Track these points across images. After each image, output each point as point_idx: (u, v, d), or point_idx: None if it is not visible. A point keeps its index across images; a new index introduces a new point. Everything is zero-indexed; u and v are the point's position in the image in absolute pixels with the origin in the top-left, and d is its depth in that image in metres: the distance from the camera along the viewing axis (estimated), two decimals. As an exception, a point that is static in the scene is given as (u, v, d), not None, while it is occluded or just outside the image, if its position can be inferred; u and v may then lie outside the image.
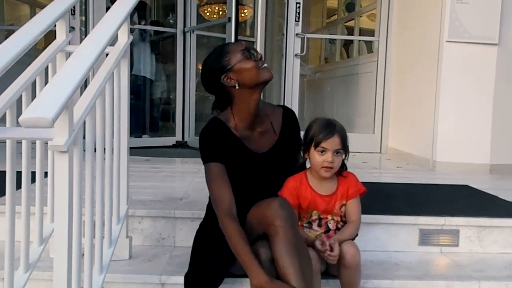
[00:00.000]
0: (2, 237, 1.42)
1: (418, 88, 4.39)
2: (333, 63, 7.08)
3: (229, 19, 4.15)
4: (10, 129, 1.42)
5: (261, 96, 1.86)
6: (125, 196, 2.02)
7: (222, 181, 1.71)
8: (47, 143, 1.73)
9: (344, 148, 1.78)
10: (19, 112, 1.51)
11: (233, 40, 4.10)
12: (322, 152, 1.75)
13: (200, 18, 5.54)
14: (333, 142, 1.75)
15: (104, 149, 1.67)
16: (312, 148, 1.76)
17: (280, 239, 1.51)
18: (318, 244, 1.70)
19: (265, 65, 1.75)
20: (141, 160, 4.04)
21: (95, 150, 1.51)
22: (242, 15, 9.96)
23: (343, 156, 1.79)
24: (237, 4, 4.12)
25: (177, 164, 4.06)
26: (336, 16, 6.83)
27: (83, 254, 1.46)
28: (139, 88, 5.27)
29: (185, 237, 2.21)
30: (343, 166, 1.84)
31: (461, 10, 3.83)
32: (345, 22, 6.49)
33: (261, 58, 1.76)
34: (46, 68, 1.79)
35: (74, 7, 3.89)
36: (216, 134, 1.79)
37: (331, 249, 1.69)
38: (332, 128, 1.77)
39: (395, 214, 2.35)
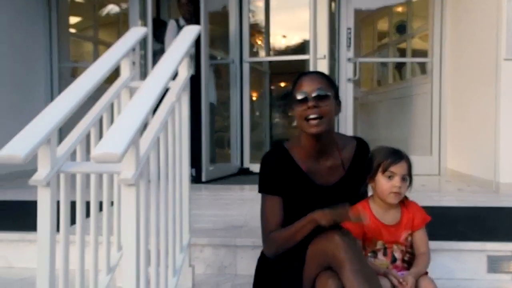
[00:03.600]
0: (71, 266, 1.48)
1: (476, 108, 4.27)
2: (386, 85, 7.00)
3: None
4: (82, 164, 1.50)
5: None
6: (187, 225, 2.06)
7: (272, 212, 1.73)
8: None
9: (410, 175, 1.75)
10: (87, 146, 1.61)
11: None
12: (390, 177, 1.72)
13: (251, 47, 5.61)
14: (401, 167, 1.73)
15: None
16: (380, 174, 1.73)
17: (349, 271, 1.46)
18: (394, 281, 1.66)
19: (315, 119, 1.65)
20: (199, 188, 4.11)
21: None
22: (293, 41, 10.12)
23: (408, 183, 1.75)
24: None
25: (235, 191, 4.10)
26: (387, 38, 6.77)
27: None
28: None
29: (246, 265, 2.23)
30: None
31: (519, 27, 3.72)
32: (397, 44, 6.42)
33: (315, 106, 1.65)
34: (112, 104, 1.88)
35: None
36: (278, 164, 1.77)
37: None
38: (399, 153, 1.76)
39: (461, 240, 2.27)
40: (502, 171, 3.79)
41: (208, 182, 4.40)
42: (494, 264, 2.22)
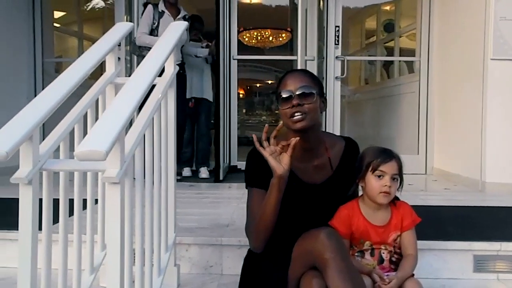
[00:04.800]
0: (54, 265, 1.44)
1: (463, 108, 4.29)
2: (373, 84, 7.02)
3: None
4: (66, 161, 1.46)
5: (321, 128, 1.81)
6: (173, 224, 2.04)
7: (258, 206, 1.70)
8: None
9: (400, 175, 1.74)
10: (71, 143, 1.58)
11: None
12: (379, 176, 1.70)
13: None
14: (391, 167, 1.71)
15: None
16: (369, 173, 1.72)
17: (333, 271, 1.44)
18: (377, 278, 1.65)
19: (298, 114, 1.64)
20: (184, 186, 4.08)
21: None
22: (280, 39, 10.13)
23: (398, 184, 1.74)
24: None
25: (221, 190, 4.07)
26: (375, 37, 6.79)
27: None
28: (199, 110, 4.89)
29: (232, 264, 2.21)
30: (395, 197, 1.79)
31: (505, 27, 3.75)
32: (385, 43, 6.44)
33: (299, 104, 1.64)
34: (97, 100, 1.85)
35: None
36: (263, 159, 1.74)
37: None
38: (390, 153, 1.75)
39: (447, 239, 2.28)
40: (488, 170, 3.82)
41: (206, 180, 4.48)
42: (480, 264, 2.23)
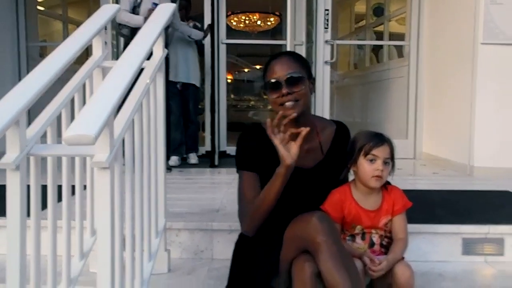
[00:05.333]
0: (43, 251, 1.43)
1: (452, 92, 4.30)
2: (362, 68, 7.01)
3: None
4: (53, 146, 1.44)
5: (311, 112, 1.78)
6: (163, 209, 2.02)
7: (250, 189, 1.70)
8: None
9: (392, 159, 1.73)
10: (58, 129, 1.55)
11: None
12: (372, 160, 1.70)
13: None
14: (384, 150, 1.71)
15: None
16: (362, 157, 1.71)
17: (325, 255, 1.44)
18: (367, 261, 1.66)
19: (290, 103, 1.63)
20: (174, 171, 4.06)
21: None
22: (269, 23, 10.07)
23: (390, 168, 1.74)
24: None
25: (210, 175, 4.06)
26: (364, 21, 6.76)
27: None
28: (187, 97, 4.73)
29: (223, 249, 2.20)
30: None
31: (496, 11, 3.75)
32: (374, 27, 6.42)
33: (289, 93, 1.63)
34: (84, 84, 1.81)
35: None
36: (254, 141, 1.75)
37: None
38: (382, 136, 1.74)
39: (437, 222, 2.30)
40: (477, 155, 3.85)
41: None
42: (469, 247, 2.25)
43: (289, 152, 1.57)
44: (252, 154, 1.72)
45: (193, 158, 4.67)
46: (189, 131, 4.79)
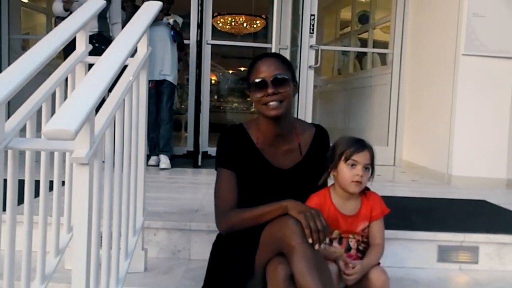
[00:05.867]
0: (18, 247, 1.40)
1: (433, 101, 4.36)
2: (346, 74, 7.07)
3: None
4: (32, 140, 1.42)
5: (291, 114, 1.78)
6: (141, 208, 2.01)
7: (228, 187, 1.71)
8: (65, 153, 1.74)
9: (372, 165, 1.75)
10: (38, 123, 1.53)
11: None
12: (352, 166, 1.71)
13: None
14: (364, 156, 1.72)
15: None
16: (342, 163, 1.73)
17: (299, 258, 1.44)
18: (341, 264, 1.67)
19: (274, 103, 1.65)
20: (155, 170, 4.04)
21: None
22: (255, 26, 10.08)
23: (370, 173, 1.76)
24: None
25: (191, 175, 4.04)
26: (349, 27, 6.82)
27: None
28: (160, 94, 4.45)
29: (200, 249, 2.20)
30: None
31: (478, 23, 3.81)
32: (359, 34, 6.48)
33: (275, 93, 1.65)
34: (66, 79, 1.79)
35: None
36: (234, 140, 1.76)
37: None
38: (363, 142, 1.76)
39: (413, 229, 2.32)
40: (455, 164, 3.91)
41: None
42: (444, 254, 2.28)
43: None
44: (231, 152, 1.74)
45: (163, 162, 4.22)
46: (161, 130, 4.39)
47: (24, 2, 5.84)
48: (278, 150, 1.78)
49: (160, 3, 2.13)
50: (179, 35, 4.54)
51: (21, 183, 1.35)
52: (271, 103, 1.65)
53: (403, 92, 5.03)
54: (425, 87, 4.58)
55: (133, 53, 1.80)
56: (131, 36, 1.72)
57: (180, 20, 4.63)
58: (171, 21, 4.40)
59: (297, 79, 4.68)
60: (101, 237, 1.46)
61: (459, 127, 3.90)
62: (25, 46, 5.56)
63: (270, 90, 1.65)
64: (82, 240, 1.26)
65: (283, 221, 1.53)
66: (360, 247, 1.79)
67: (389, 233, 2.17)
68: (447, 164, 3.96)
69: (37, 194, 1.49)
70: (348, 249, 1.78)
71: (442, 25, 4.21)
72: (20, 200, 1.37)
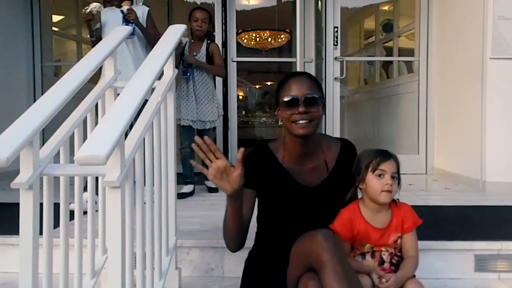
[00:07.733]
0: (55, 270, 1.44)
1: (462, 107, 4.29)
2: (372, 84, 7.02)
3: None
4: (66, 166, 1.47)
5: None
6: (174, 227, 2.03)
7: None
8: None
9: (398, 174, 1.74)
10: (71, 147, 1.58)
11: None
12: (380, 176, 1.70)
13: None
14: (391, 165, 1.71)
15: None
16: (370, 174, 1.71)
17: (329, 273, 1.44)
18: (375, 278, 1.66)
19: (304, 121, 1.65)
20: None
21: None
22: (279, 40, 10.14)
23: (397, 183, 1.74)
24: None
25: (222, 192, 4.03)
26: (374, 37, 6.79)
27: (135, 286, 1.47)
28: None
29: (233, 267, 2.20)
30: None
31: (504, 26, 3.75)
32: (384, 43, 6.45)
33: (306, 112, 1.64)
34: (96, 105, 1.85)
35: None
36: (258, 160, 1.77)
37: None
38: (387, 152, 1.75)
39: (448, 239, 2.28)
40: (488, 170, 3.81)
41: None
42: (481, 263, 2.23)
43: (228, 180, 1.57)
44: (252, 171, 1.72)
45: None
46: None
47: (55, 30, 6.02)
48: (304, 168, 1.77)
49: (184, 26, 2.17)
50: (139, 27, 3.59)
51: (56, 207, 1.40)
52: (300, 121, 1.65)
53: (431, 98, 4.96)
54: (453, 92, 4.51)
55: (160, 76, 1.84)
56: (157, 60, 1.77)
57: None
58: (124, 8, 3.56)
59: (324, 92, 4.72)
60: (135, 257, 1.49)
61: (491, 131, 3.81)
62: (57, 73, 5.73)
63: (301, 109, 1.65)
64: (117, 261, 1.28)
65: (311, 237, 1.53)
66: (394, 260, 1.76)
67: (423, 244, 2.15)
68: (481, 170, 3.86)
69: (72, 217, 1.54)
70: (382, 262, 1.75)
71: (468, 29, 4.15)
72: (56, 224, 1.42)
